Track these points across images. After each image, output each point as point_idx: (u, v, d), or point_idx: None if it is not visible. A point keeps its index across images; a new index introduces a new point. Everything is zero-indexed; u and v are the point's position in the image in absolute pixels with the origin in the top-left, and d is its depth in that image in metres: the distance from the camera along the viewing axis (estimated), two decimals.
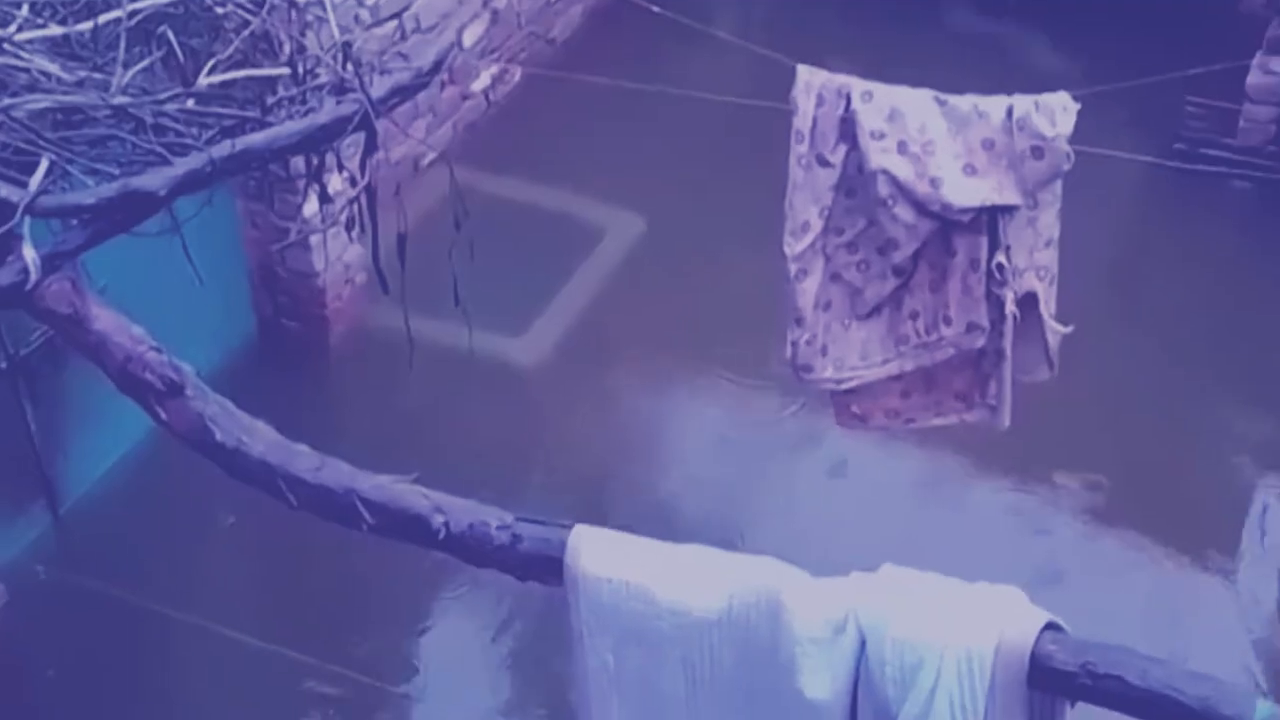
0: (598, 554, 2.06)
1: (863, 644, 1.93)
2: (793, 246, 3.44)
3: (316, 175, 3.41)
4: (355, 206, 3.38)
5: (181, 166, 2.78)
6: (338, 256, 5.65)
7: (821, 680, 1.93)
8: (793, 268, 3.44)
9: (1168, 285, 5.78)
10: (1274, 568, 4.75)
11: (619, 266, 6.01)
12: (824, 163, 3.40)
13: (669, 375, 5.58)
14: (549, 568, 2.09)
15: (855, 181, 3.41)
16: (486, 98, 6.82)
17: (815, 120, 3.38)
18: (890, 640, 1.91)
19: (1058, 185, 3.29)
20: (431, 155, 6.12)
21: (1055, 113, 3.25)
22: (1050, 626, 1.88)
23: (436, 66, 3.37)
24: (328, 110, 3.08)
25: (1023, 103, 3.28)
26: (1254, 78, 6.09)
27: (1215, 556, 4.80)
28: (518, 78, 6.97)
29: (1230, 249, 5.95)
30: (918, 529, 4.66)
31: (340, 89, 3.18)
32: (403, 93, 3.29)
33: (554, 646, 3.95)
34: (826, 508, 4.91)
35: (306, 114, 3.10)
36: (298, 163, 3.60)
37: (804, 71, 3.40)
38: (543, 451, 5.26)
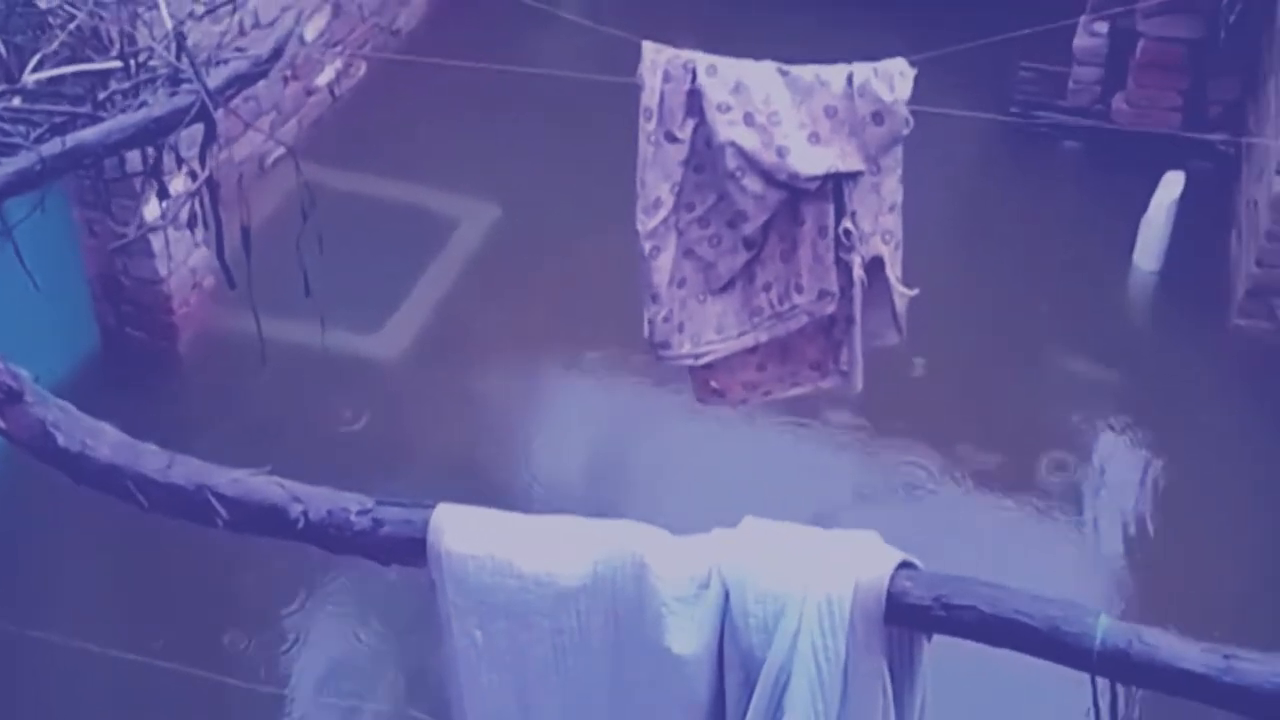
0: (461, 531, 2.05)
1: (726, 597, 1.96)
2: (645, 224, 3.45)
3: (154, 171, 3.32)
4: (196, 202, 3.31)
5: (10, 166, 2.69)
6: (183, 261, 5.52)
7: (688, 636, 1.96)
8: (646, 245, 3.45)
9: (1007, 244, 5.96)
10: (1116, 507, 4.94)
11: (475, 256, 5.98)
12: (673, 138, 3.41)
13: (531, 361, 5.58)
14: (412, 549, 2.07)
15: (704, 156, 3.43)
16: (331, 92, 6.71)
17: (662, 96, 3.39)
18: (753, 591, 1.95)
19: (899, 150, 3.35)
20: (278, 153, 6.00)
21: (893, 78, 3.31)
22: (905, 565, 1.93)
23: (276, 54, 3.30)
24: (162, 102, 3.01)
25: (862, 70, 3.34)
26: (1080, 40, 6.30)
27: (1063, 498, 4.98)
28: (363, 71, 6.89)
29: (1064, 206, 6.16)
30: (783, 494, 4.74)
31: (175, 80, 3.10)
32: (241, 81, 3.22)
33: (426, 635, 3.93)
34: (696, 483, 4.95)
35: (140, 107, 3.02)
36: (135, 163, 3.51)
37: (649, 48, 3.41)
38: (406, 445, 5.21)
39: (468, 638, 2.05)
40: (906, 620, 1.91)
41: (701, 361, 3.53)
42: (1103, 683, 1.85)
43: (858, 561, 1.92)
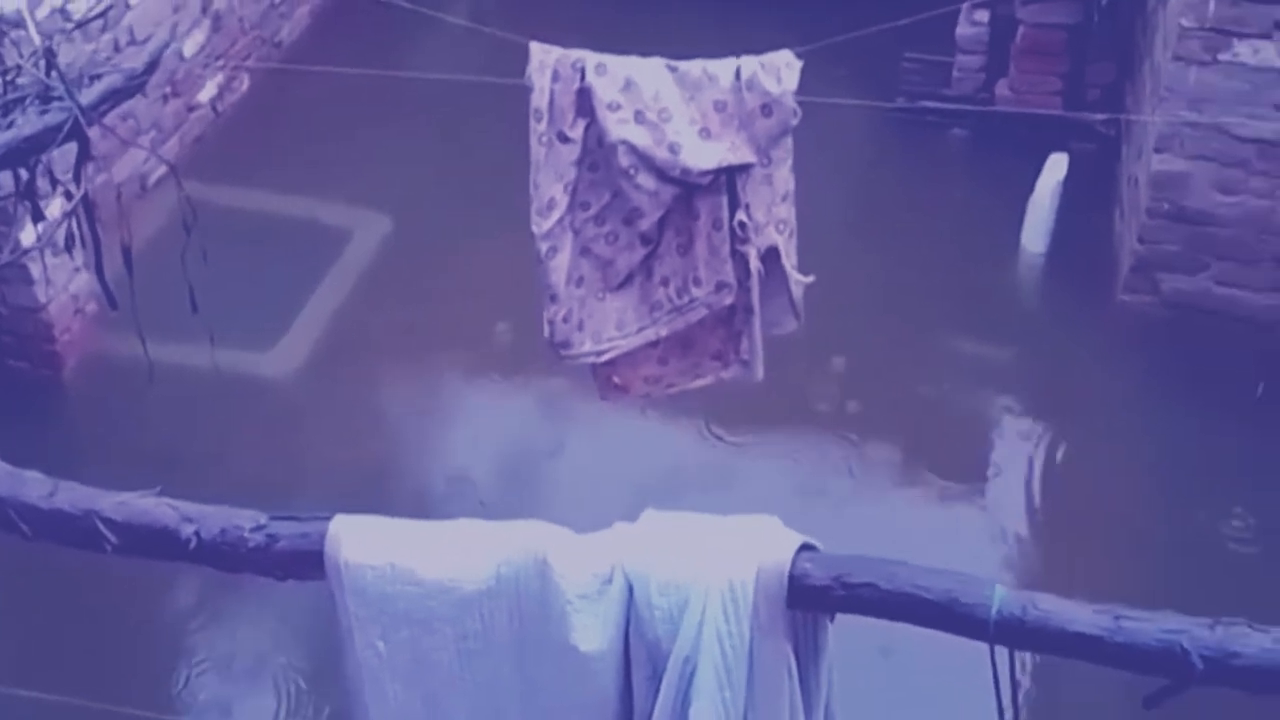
0: (359, 541, 2.01)
1: (630, 591, 1.95)
2: (540, 225, 3.43)
3: (27, 193, 3.22)
4: (73, 223, 3.21)
5: None
6: (64, 287, 5.38)
7: (593, 633, 1.94)
8: (542, 246, 3.43)
9: (898, 230, 6.04)
10: (1014, 482, 5.03)
11: (369, 266, 5.90)
12: (564, 139, 3.39)
13: (432, 369, 5.52)
14: (309, 563, 2.02)
15: (597, 155, 3.42)
16: (214, 108, 6.59)
17: (552, 97, 3.37)
18: (656, 584, 1.94)
19: (788, 141, 3.36)
20: (160, 172, 5.88)
21: (780, 70, 3.33)
22: (806, 548, 1.94)
23: (150, 67, 3.22)
24: (32, 121, 2.92)
25: (749, 63, 3.35)
26: (962, 28, 6.41)
27: (960, 478, 5.06)
28: (246, 85, 6.77)
29: (953, 191, 6.27)
30: (689, 488, 4.75)
31: (46, 98, 3.01)
32: (115, 96, 3.13)
33: (331, 652, 3.87)
34: (603, 482, 4.93)
35: (10, 127, 2.93)
36: (6, 186, 3.40)
37: (537, 49, 3.39)
38: (307, 461, 5.12)
39: (371, 649, 2.01)
40: (808, 602, 1.92)
41: (603, 359, 3.51)
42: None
43: (759, 547, 1.92)
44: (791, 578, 1.89)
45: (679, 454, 5.07)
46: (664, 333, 3.49)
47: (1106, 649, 1.79)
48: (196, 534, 2.04)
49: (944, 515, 4.93)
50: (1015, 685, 1.90)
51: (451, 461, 5.20)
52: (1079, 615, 1.80)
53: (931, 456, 5.12)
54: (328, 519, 2.04)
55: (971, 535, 4.83)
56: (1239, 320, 5.43)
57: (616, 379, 3.57)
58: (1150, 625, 1.78)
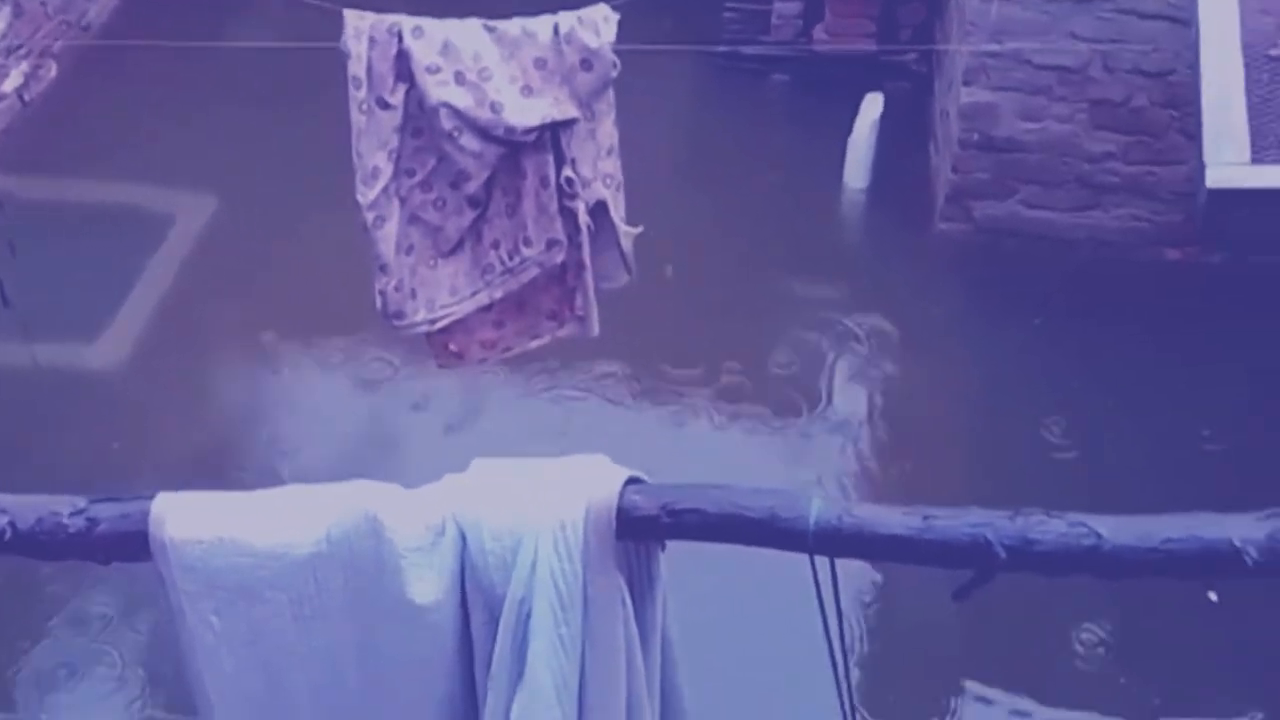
0: (184, 518, 1.97)
1: (464, 540, 1.97)
2: (365, 195, 3.39)
3: None
4: None
5: None
6: None
7: (429, 585, 1.95)
8: (369, 216, 3.40)
9: (725, 176, 6.15)
10: (847, 411, 5.21)
11: (196, 250, 5.77)
12: (385, 105, 3.37)
13: (265, 351, 5.42)
14: (133, 544, 1.96)
15: (419, 120, 3.40)
16: (21, 98, 6.35)
17: (370, 63, 3.34)
18: (488, 530, 1.96)
19: (610, 94, 3.39)
20: None
21: (598, 24, 3.36)
22: (633, 481, 1.99)
23: None
24: None
25: (567, 19, 3.37)
26: None
27: (797, 408, 5.21)
28: (54, 72, 6.54)
29: (777, 135, 6.41)
30: (529, 441, 4.79)
31: None
32: None
33: (160, 630, 3.79)
34: (447, 451, 4.93)
35: None
36: None
37: (352, 15, 3.35)
38: (142, 452, 5.00)
39: (204, 625, 1.98)
40: (638, 533, 1.96)
41: (438, 326, 3.50)
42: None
43: (587, 484, 1.95)
44: (620, 511, 1.93)
45: (520, 410, 5.09)
46: (498, 295, 3.49)
47: (918, 548, 1.87)
48: (11, 525, 1.97)
49: (784, 444, 5.07)
50: (837, 592, 1.97)
51: (291, 442, 5.12)
52: (890, 519, 1.88)
53: (768, 389, 5.26)
54: (150, 498, 2.00)
55: (811, 460, 4.99)
56: (1046, 239, 5.69)
57: (453, 346, 3.56)
58: (957, 522, 1.86)
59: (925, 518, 1.87)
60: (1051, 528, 1.84)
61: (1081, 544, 1.83)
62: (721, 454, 4.92)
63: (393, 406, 5.20)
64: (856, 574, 4.34)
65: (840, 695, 2.08)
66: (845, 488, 4.80)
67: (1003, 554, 1.83)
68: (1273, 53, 4.33)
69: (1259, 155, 4.07)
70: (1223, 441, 4.89)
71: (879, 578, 4.51)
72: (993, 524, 1.85)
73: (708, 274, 5.68)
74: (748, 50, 6.54)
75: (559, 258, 3.44)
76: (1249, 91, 4.19)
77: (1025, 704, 4.25)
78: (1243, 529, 1.82)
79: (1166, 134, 5.37)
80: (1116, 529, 1.84)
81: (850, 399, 5.25)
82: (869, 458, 5.04)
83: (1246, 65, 4.24)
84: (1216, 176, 4.08)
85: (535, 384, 5.18)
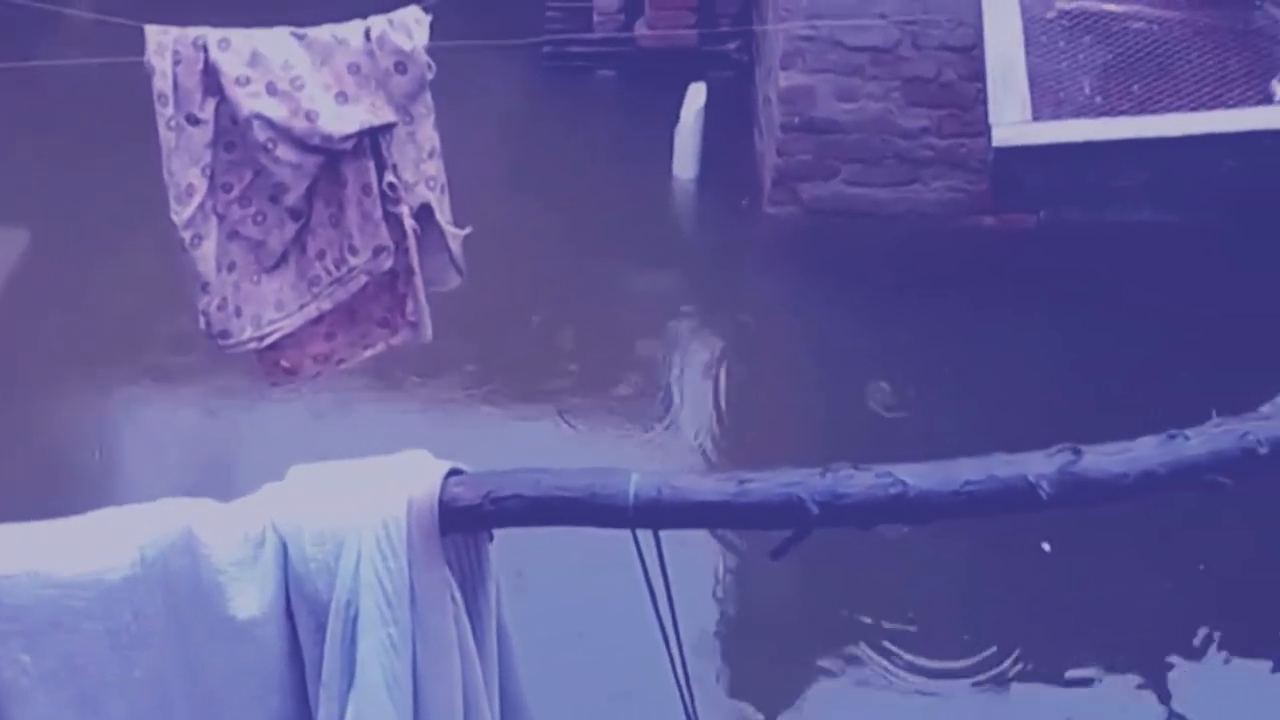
0: None
1: (285, 550, 1.93)
2: (180, 214, 3.31)
3: None
4: None
5: None
6: None
7: (250, 599, 1.91)
8: (186, 235, 3.31)
9: (555, 174, 6.18)
10: (688, 394, 5.27)
11: (6, 288, 5.55)
12: (195, 121, 3.28)
13: (88, 382, 5.23)
14: None
15: (232, 133, 3.32)
16: None
17: (176, 79, 3.25)
18: (309, 535, 1.92)
19: (427, 96, 3.36)
20: None
21: (410, 27, 3.33)
22: (455, 473, 1.96)
23: None
24: None
25: (378, 23, 3.33)
26: None
27: (638, 395, 5.27)
28: None
29: (605, 131, 6.46)
30: (375, 446, 4.71)
31: None
32: None
33: None
34: (288, 465, 4.82)
35: None
36: None
37: (154, 31, 3.26)
38: None
39: (15, 666, 1.87)
40: (462, 524, 1.94)
41: (266, 343, 3.42)
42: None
43: (408, 480, 1.93)
44: (442, 503, 1.91)
45: (358, 424, 4.99)
46: (327, 306, 3.43)
47: (735, 511, 1.89)
48: None
49: (629, 438, 5.08)
50: (664, 565, 1.98)
51: (123, 475, 4.94)
52: (704, 486, 1.89)
53: (610, 379, 5.29)
54: None
55: (655, 451, 5.02)
56: (871, 216, 5.85)
57: (285, 362, 3.48)
58: (770, 483, 1.88)
59: (741, 482, 1.88)
60: (860, 480, 1.88)
61: (889, 493, 1.86)
62: (566, 454, 4.90)
63: (230, 429, 5.08)
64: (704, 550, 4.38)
65: (674, 670, 2.10)
66: (688, 469, 4.85)
67: (815, 510, 1.85)
68: (1049, 15, 4.53)
69: (1039, 113, 4.26)
70: (1040, 391, 5.08)
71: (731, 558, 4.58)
72: (804, 482, 1.87)
73: (540, 273, 5.67)
74: (572, 49, 6.56)
75: (387, 264, 3.39)
76: (1029, 53, 4.37)
77: (872, 673, 4.32)
78: (1035, 466, 1.87)
79: (974, 106, 5.55)
80: (920, 476, 1.87)
81: (691, 386, 5.31)
82: (712, 442, 5.10)
83: (1026, 28, 4.42)
84: (1002, 135, 4.27)
85: (370, 397, 5.10)
